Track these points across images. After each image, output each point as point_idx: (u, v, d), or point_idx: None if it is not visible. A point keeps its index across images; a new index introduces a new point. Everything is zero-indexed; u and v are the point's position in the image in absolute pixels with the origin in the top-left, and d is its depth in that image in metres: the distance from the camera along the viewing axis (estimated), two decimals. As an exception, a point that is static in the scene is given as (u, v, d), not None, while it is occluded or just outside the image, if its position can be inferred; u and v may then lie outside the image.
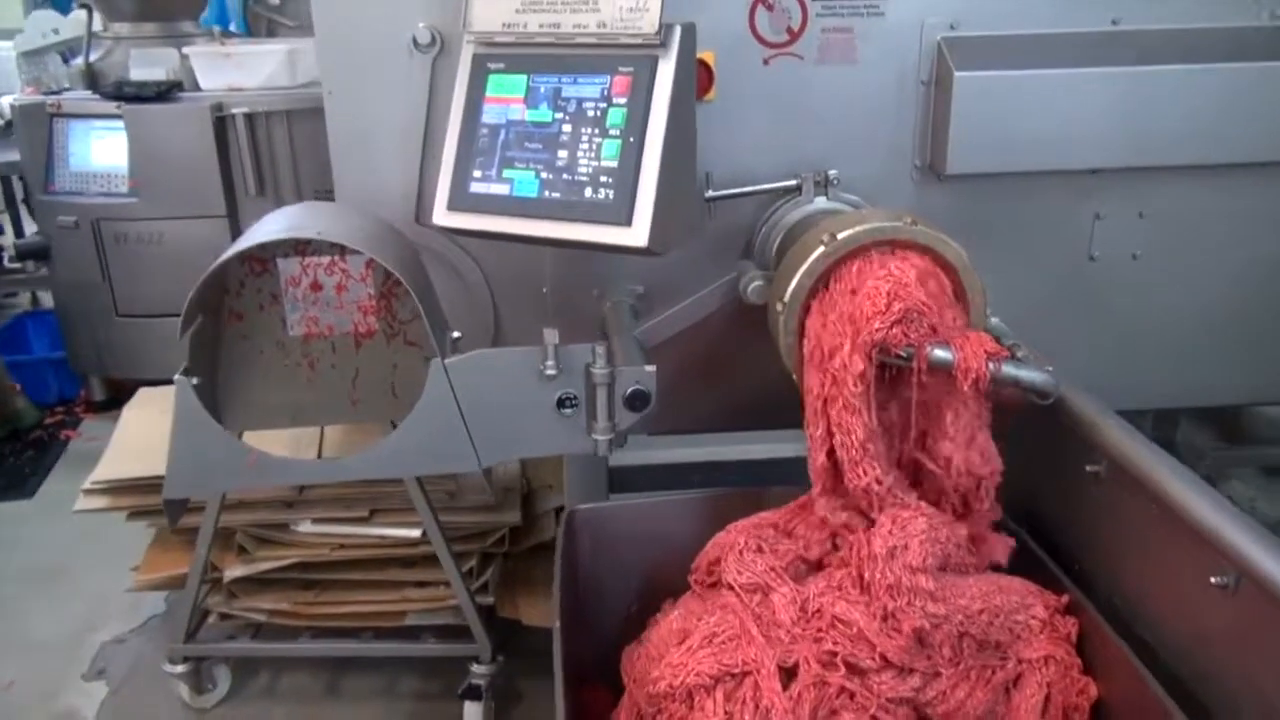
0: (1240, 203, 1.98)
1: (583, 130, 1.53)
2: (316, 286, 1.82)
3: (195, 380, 1.50)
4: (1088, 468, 1.48)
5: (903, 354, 1.42)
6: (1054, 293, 2.01)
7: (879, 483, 1.46)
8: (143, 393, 2.60)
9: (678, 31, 1.51)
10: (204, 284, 1.53)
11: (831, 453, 1.51)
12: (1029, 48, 1.83)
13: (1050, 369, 1.46)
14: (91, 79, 3.45)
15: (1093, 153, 1.88)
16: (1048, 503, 1.62)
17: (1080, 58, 1.82)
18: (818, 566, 1.55)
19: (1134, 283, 2.02)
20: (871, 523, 1.48)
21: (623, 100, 1.50)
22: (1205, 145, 1.89)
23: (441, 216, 1.64)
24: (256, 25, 4.40)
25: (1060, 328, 1.98)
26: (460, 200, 1.62)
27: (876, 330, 1.40)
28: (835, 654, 1.38)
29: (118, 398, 3.66)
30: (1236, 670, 1.22)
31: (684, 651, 1.43)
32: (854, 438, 1.46)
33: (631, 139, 1.49)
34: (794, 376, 1.60)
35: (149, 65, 3.37)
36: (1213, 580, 1.20)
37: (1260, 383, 2.14)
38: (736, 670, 1.38)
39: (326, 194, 3.18)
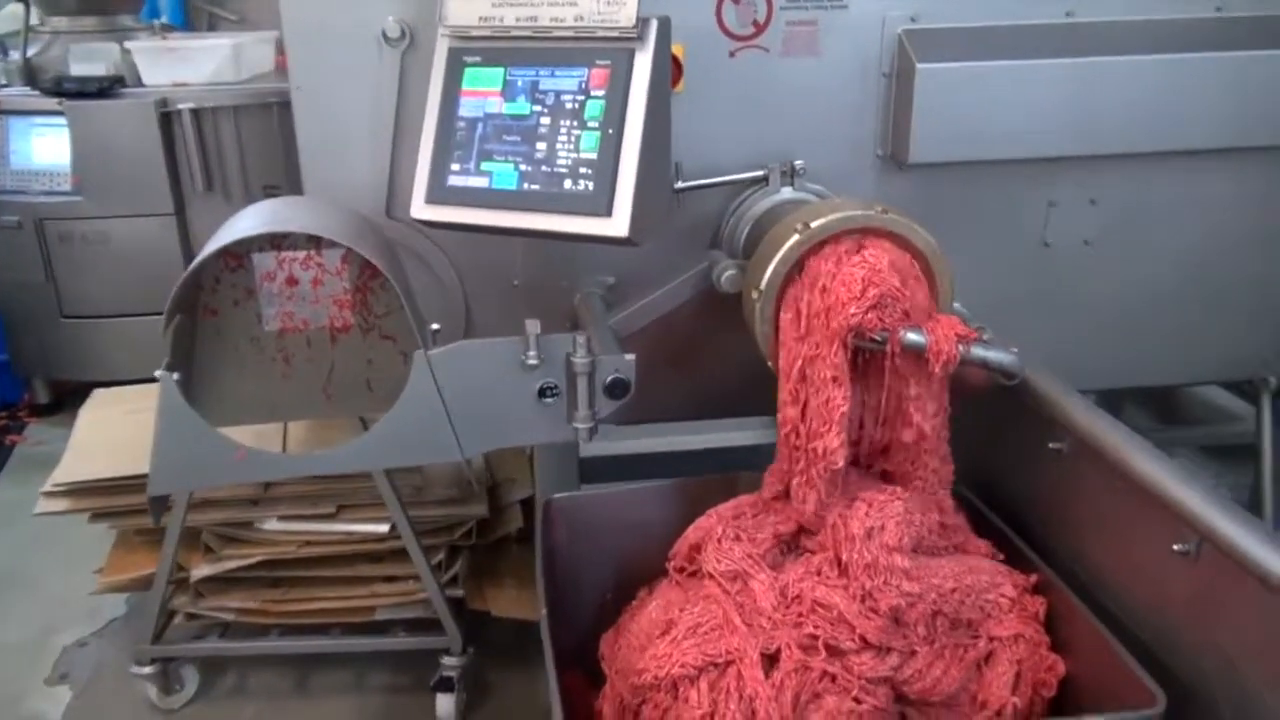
0: (1186, 189, 2.08)
1: (561, 122, 1.55)
2: (292, 281, 1.80)
3: (177, 376, 1.49)
4: (1051, 445, 1.54)
5: (877, 338, 1.46)
6: (1010, 278, 2.08)
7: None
8: (98, 394, 2.55)
9: (654, 25, 1.54)
10: (185, 282, 1.51)
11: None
12: (987, 40, 1.90)
13: (1015, 350, 1.52)
14: (29, 75, 3.35)
15: (1047, 141, 1.96)
16: (1013, 480, 1.69)
17: (1036, 49, 1.90)
18: (795, 541, 1.59)
19: (1086, 268, 2.10)
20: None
21: (601, 93, 1.53)
22: (1154, 133, 1.98)
23: (420, 210, 1.64)
24: (197, 19, 4.31)
25: (1016, 311, 2.04)
26: (438, 193, 1.62)
27: (853, 315, 1.44)
28: (816, 637, 1.41)
29: (63, 401, 3.57)
30: (1199, 633, 1.29)
31: (669, 643, 1.45)
32: (808, 506, 1.53)
33: (610, 131, 1.51)
34: (769, 363, 1.63)
35: (89, 60, 3.29)
36: (1175, 548, 1.26)
37: (1204, 362, 2.26)
38: (720, 660, 1.41)
39: (276, 190, 3.19)
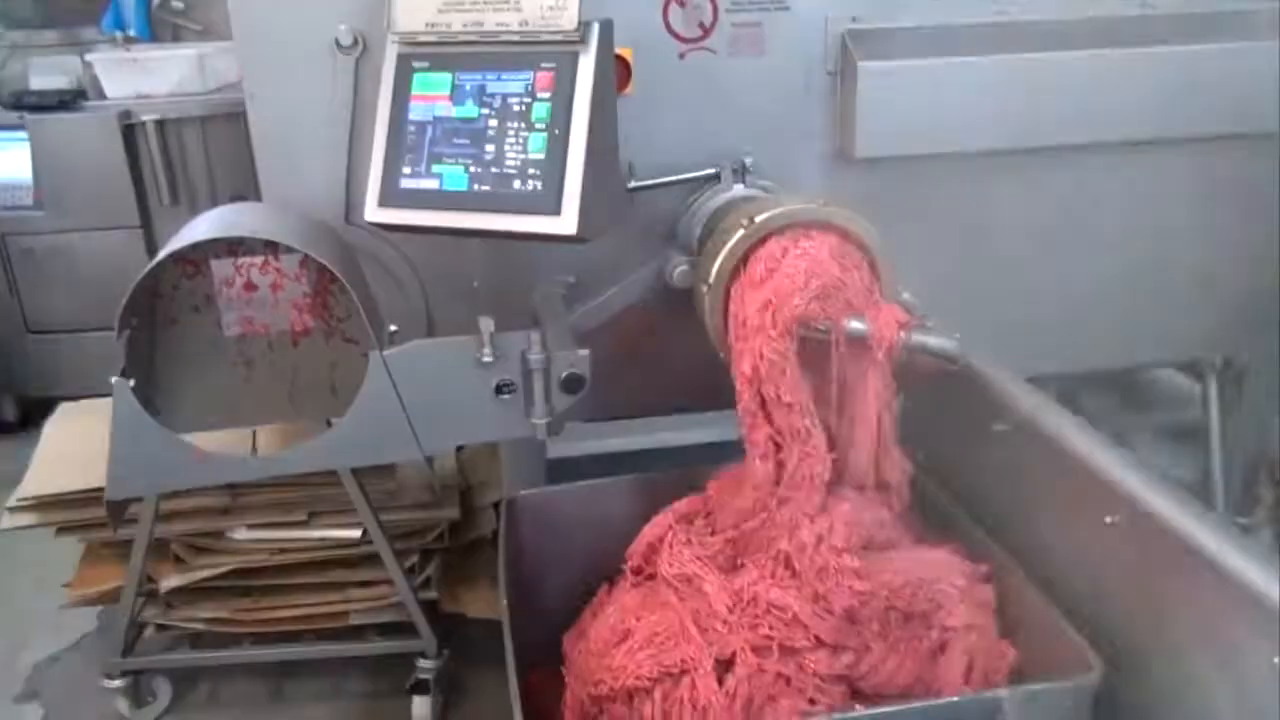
0: (1120, 178, 2.13)
1: (509, 125, 1.58)
2: (250, 287, 1.82)
3: (133, 383, 1.50)
4: (995, 427, 1.58)
5: (822, 328, 1.49)
6: (956, 267, 2.12)
7: None
8: (64, 408, 2.54)
9: (596, 28, 1.56)
10: (136, 289, 1.53)
11: None
12: (926, 38, 1.95)
13: (958, 336, 1.56)
14: (-11, 89, 3.36)
15: (987, 135, 2.01)
16: (961, 462, 1.72)
17: (973, 47, 1.95)
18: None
19: (1028, 256, 2.15)
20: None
21: (547, 95, 1.56)
22: (1086, 126, 2.03)
23: (373, 213, 1.67)
24: (161, 30, 4.31)
25: (963, 300, 2.08)
26: (391, 196, 1.65)
27: (796, 305, 1.47)
28: (771, 639, 1.42)
29: (30, 418, 3.55)
30: (1133, 600, 1.33)
31: (624, 653, 1.46)
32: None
33: (556, 131, 1.54)
34: (720, 354, 1.67)
35: (50, 73, 3.30)
36: (1107, 520, 1.31)
37: (1149, 346, 2.31)
38: (675, 670, 1.42)
39: (244, 200, 3.19)
